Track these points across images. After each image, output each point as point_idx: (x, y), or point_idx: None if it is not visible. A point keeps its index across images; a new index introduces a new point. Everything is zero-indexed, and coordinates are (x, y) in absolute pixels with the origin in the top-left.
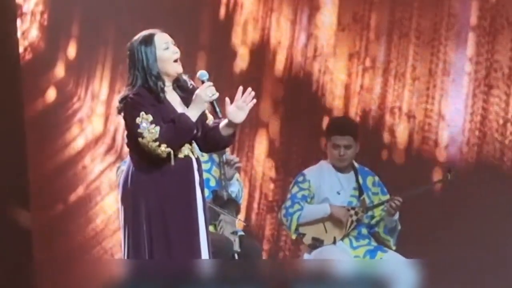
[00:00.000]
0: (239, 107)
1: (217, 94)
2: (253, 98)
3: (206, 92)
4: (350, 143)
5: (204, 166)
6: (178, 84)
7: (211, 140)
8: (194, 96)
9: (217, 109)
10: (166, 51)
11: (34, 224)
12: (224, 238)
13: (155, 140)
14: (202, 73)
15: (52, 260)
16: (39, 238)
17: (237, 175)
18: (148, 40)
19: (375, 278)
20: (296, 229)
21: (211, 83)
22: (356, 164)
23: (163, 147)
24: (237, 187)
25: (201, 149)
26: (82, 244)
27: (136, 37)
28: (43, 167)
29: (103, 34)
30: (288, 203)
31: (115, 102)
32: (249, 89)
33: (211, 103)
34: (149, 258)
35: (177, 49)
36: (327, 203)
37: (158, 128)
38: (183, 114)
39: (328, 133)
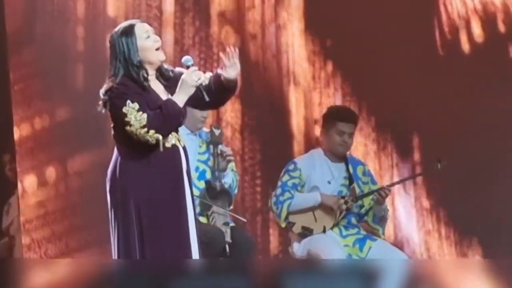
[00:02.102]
0: (228, 65)
1: (203, 78)
2: (235, 49)
3: (192, 76)
4: (352, 131)
5: (201, 157)
6: (160, 73)
7: (218, 91)
8: (180, 82)
9: (204, 94)
10: (147, 40)
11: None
12: (216, 229)
13: (143, 127)
14: (187, 59)
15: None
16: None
17: (232, 165)
18: (129, 31)
19: (366, 272)
20: (286, 218)
21: (196, 68)
22: (347, 154)
23: (152, 133)
24: (230, 178)
25: (213, 103)
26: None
27: (116, 29)
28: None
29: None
30: (279, 191)
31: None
32: (227, 47)
33: (197, 87)
34: (139, 246)
35: (158, 38)
36: (317, 191)
37: (145, 115)
38: (169, 100)
39: (332, 119)
